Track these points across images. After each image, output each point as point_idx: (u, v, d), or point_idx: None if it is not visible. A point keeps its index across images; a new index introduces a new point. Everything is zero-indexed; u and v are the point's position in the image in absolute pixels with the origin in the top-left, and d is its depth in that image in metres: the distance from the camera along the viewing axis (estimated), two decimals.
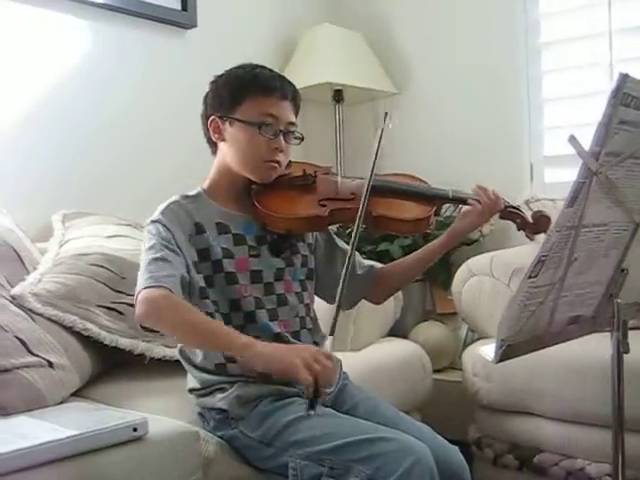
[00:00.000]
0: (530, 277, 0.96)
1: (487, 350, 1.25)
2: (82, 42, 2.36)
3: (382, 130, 1.44)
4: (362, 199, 1.39)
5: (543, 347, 1.11)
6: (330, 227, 1.62)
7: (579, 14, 2.67)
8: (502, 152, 2.82)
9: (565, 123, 2.70)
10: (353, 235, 1.35)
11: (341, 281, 1.31)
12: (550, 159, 2.75)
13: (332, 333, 1.28)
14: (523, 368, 1.92)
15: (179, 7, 2.58)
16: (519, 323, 0.97)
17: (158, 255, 1.35)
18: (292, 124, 1.50)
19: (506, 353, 0.98)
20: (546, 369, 1.91)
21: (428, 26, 3.02)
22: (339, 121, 3.00)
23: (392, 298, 2.15)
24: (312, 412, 1.21)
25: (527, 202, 2.38)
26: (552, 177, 2.74)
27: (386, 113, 1.50)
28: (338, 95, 2.97)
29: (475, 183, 1.56)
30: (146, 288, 1.30)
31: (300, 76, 2.84)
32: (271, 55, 2.91)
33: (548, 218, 1.54)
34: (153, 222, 1.42)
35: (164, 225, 1.40)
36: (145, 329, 1.35)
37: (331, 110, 3.01)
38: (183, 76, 2.60)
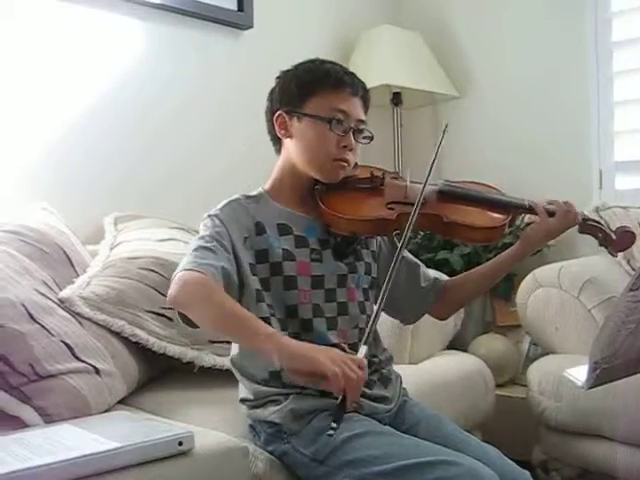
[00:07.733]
0: (631, 290, 0.84)
1: (576, 373, 1.12)
2: (137, 43, 2.33)
3: (440, 141, 1.38)
4: (415, 205, 1.32)
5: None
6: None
7: None
8: (569, 158, 2.68)
9: (638, 127, 2.55)
10: (402, 239, 1.27)
11: (384, 284, 1.23)
12: (622, 165, 2.60)
13: (366, 342, 1.19)
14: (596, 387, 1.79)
15: (235, 8, 2.54)
16: (615, 343, 0.85)
17: (206, 245, 1.30)
18: (362, 122, 1.43)
19: (600, 377, 0.86)
20: (621, 389, 1.74)
21: (491, 26, 2.90)
22: (398, 125, 2.90)
23: None
24: (336, 428, 1.09)
25: (597, 209, 2.27)
26: (624, 184, 2.60)
27: (446, 125, 1.43)
28: (397, 98, 2.87)
29: (541, 190, 1.45)
30: (184, 270, 1.25)
31: None
32: (328, 57, 2.79)
33: (633, 234, 1.41)
34: (210, 216, 1.37)
35: (221, 220, 1.35)
36: (183, 318, 1.28)
37: (389, 113, 2.92)
38: (239, 77, 2.56)
